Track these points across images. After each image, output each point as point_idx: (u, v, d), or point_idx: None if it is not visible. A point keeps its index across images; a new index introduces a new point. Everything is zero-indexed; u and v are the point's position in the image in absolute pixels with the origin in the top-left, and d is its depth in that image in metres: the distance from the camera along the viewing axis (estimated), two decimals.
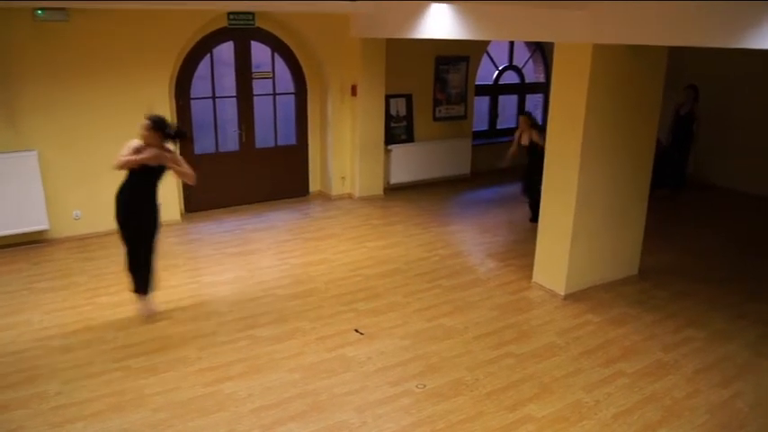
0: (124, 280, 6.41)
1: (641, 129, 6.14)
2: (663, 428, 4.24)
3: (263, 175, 9.26)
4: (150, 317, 5.63)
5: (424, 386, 4.69)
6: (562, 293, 6.17)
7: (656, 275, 6.76)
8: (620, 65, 5.69)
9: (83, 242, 7.52)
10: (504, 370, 4.92)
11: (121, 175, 5.32)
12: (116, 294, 6.13)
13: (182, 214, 8.53)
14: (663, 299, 6.21)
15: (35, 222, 7.17)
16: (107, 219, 7.67)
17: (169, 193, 8.16)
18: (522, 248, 7.49)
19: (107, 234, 7.73)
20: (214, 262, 7.05)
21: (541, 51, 11.97)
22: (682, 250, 7.60)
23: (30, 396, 4.45)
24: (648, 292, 6.35)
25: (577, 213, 5.95)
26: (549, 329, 5.58)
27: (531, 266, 6.61)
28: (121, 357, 4.99)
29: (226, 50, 8.57)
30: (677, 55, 7.59)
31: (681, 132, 9.72)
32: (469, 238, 8.05)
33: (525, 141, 8.35)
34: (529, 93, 12.11)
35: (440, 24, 6.89)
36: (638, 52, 5.70)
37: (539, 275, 6.47)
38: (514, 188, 10.41)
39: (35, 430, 4.07)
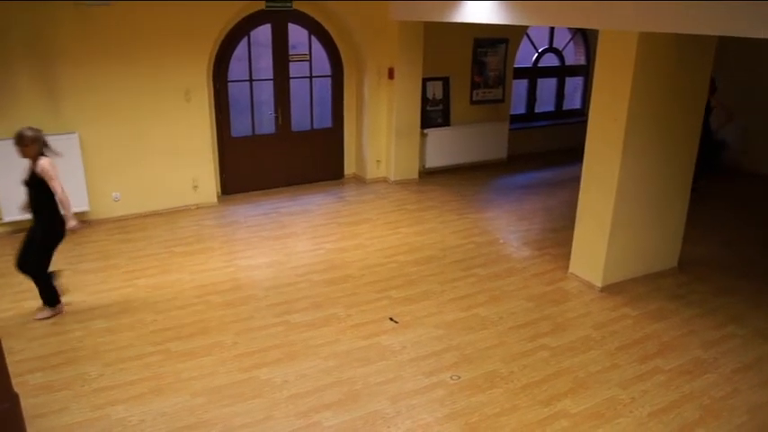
0: (162, 263, 6.57)
1: (686, 119, 5.98)
2: (700, 429, 4.18)
3: (298, 158, 9.29)
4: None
5: (459, 377, 4.69)
6: (599, 285, 6.10)
7: (696, 268, 6.63)
8: (666, 54, 5.54)
9: (122, 224, 7.65)
10: (539, 363, 4.90)
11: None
12: (154, 277, 6.24)
13: (218, 196, 8.61)
14: (702, 293, 6.09)
15: (76, 204, 7.20)
16: (146, 201, 7.89)
17: (206, 175, 8.27)
18: (558, 237, 7.41)
19: (145, 216, 7.88)
20: (250, 245, 7.11)
21: (583, 34, 11.72)
22: (723, 241, 7.44)
23: (73, 377, 4.57)
24: (688, 286, 6.24)
25: (617, 204, 5.85)
26: (585, 322, 5.53)
27: (567, 256, 6.54)
28: (160, 341, 5.09)
29: (263, 33, 8.56)
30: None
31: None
32: (505, 226, 7.98)
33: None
34: (569, 76, 11.90)
35: (480, 8, 6.79)
36: (685, 41, 5.54)
37: (575, 266, 6.40)
38: (551, 173, 10.32)
39: (78, 412, 4.19)
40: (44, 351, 4.90)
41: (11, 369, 3.79)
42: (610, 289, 6.11)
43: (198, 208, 8.26)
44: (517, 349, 5.09)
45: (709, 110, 9.28)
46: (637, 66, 5.40)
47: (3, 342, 3.65)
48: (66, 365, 4.72)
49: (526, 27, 10.55)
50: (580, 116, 11.74)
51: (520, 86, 11.36)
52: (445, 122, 10.23)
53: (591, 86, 6.02)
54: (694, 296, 6.03)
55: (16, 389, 3.79)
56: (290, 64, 8.87)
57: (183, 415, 4.20)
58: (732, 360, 4.96)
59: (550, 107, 11.98)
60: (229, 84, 8.49)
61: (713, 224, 8.00)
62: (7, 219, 7.05)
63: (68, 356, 4.84)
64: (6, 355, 3.66)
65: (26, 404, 3.89)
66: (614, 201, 5.83)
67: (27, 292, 5.83)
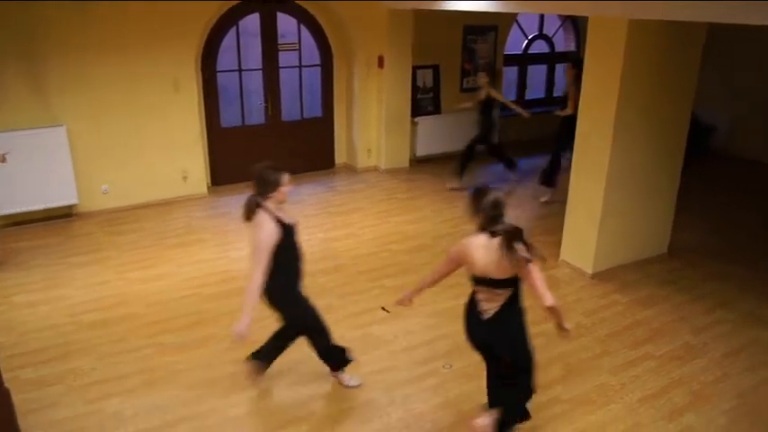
0: (153, 255, 6.55)
1: (675, 107, 5.99)
2: (690, 413, 4.23)
3: (288, 148, 9.24)
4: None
5: (451, 366, 4.72)
6: (590, 272, 6.13)
7: (686, 254, 6.67)
8: (656, 41, 5.55)
9: (111, 216, 7.60)
10: None
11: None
12: (145, 269, 6.23)
13: (208, 188, 8.58)
14: (692, 279, 6.14)
15: (65, 197, 7.27)
16: (135, 192, 7.84)
17: (195, 166, 8.23)
18: (549, 224, 7.43)
19: (136, 208, 7.84)
20: (241, 236, 7.07)
21: (572, 20, 11.70)
22: (711, 227, 7.49)
23: (65, 372, 4.56)
24: (678, 272, 6.28)
25: (608, 191, 5.87)
26: (575, 309, 5.56)
27: (558, 243, 6.56)
28: (153, 333, 5.09)
29: (251, 22, 8.49)
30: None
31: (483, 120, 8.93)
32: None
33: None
34: (558, 62, 11.88)
35: None
36: (675, 29, 5.55)
37: (566, 253, 6.42)
38: (541, 160, 10.30)
39: (70, 407, 4.19)
40: (35, 346, 4.89)
41: (2, 364, 3.82)
42: (600, 276, 6.14)
43: (188, 199, 8.23)
44: None
45: (490, 105, 8.74)
46: (626, 54, 5.40)
47: None
48: (58, 360, 4.71)
49: (516, 14, 10.52)
50: None
51: (510, 73, 11.34)
52: (436, 110, 10.21)
53: (581, 73, 6.01)
54: (684, 282, 6.08)
55: (8, 384, 3.78)
56: (280, 53, 8.82)
57: (177, 407, 4.20)
58: (721, 345, 5.01)
59: (540, 94, 11.98)
60: (218, 74, 8.43)
61: (702, 210, 8.04)
62: (0, 212, 7.01)
63: (60, 351, 4.83)
64: None
65: (18, 400, 3.87)
66: (604, 188, 5.85)
67: (16, 287, 5.82)
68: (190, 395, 4.33)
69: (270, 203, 3.94)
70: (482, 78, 8.69)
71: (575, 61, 8.27)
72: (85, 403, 4.22)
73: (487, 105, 8.75)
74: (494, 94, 8.71)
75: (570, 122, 7.79)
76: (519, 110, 8.89)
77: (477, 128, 8.96)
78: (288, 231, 3.93)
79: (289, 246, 3.95)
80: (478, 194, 3.56)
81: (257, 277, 3.81)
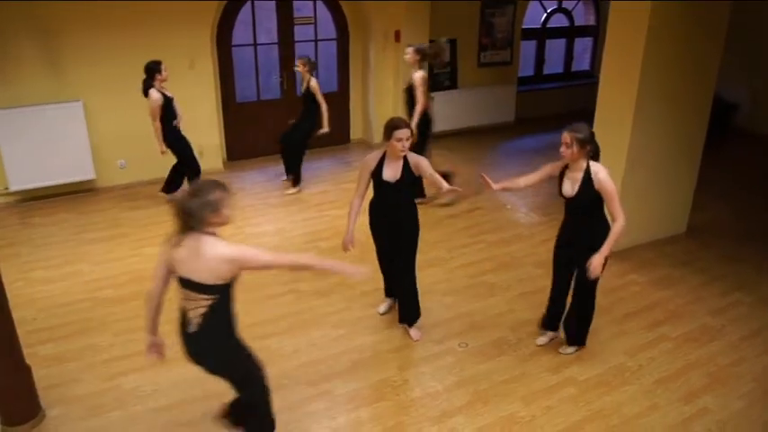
0: (169, 231, 6.55)
1: (698, 88, 5.88)
2: (707, 395, 4.22)
3: None
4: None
5: (467, 345, 4.72)
6: None
7: (704, 235, 6.59)
8: (680, 20, 5.41)
9: (128, 191, 7.63)
10: None
11: None
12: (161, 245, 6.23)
13: (224, 162, 8.58)
14: (710, 260, 6.07)
15: (82, 172, 7.29)
16: (152, 167, 7.82)
17: (211, 140, 8.22)
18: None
19: (151, 183, 7.83)
20: (257, 212, 7.11)
21: None
22: (730, 207, 7.39)
23: (83, 348, 4.62)
24: (695, 253, 6.21)
25: (627, 170, 5.80)
26: None
27: None
28: (169, 310, 5.08)
29: None
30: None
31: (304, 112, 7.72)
32: (513, 191, 7.90)
33: None
34: (578, 36, 11.67)
35: None
36: (698, 9, 5.42)
37: None
38: (559, 136, 10.18)
39: (90, 383, 4.24)
40: (54, 322, 4.95)
41: (21, 340, 3.84)
42: (618, 255, 6.05)
43: (205, 174, 8.20)
44: (525, 316, 5.11)
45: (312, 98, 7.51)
46: (650, 32, 5.28)
47: (12, 313, 3.69)
48: (76, 336, 4.76)
49: None
50: (589, 78, 11.56)
51: (528, 48, 11.17)
52: (452, 85, 10.11)
53: (600, 47, 5.91)
54: (701, 263, 6.01)
55: (28, 360, 3.84)
56: (295, 27, 8.74)
57: (195, 384, 4.22)
58: (739, 328, 4.97)
59: (559, 69, 11.80)
60: (233, 48, 8.37)
61: (722, 189, 7.91)
62: (14, 188, 7.05)
63: (78, 327, 4.88)
64: (17, 326, 3.71)
65: (38, 375, 3.94)
66: (624, 166, 5.78)
67: (34, 263, 5.88)
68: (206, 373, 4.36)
69: (387, 150, 4.39)
70: (300, 66, 7.43)
71: (419, 48, 7.14)
72: (104, 380, 4.28)
73: (308, 97, 7.55)
74: (312, 85, 7.42)
75: (425, 124, 7.03)
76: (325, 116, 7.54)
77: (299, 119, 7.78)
78: (378, 181, 4.48)
79: (375, 191, 4.60)
80: (581, 129, 4.11)
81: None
